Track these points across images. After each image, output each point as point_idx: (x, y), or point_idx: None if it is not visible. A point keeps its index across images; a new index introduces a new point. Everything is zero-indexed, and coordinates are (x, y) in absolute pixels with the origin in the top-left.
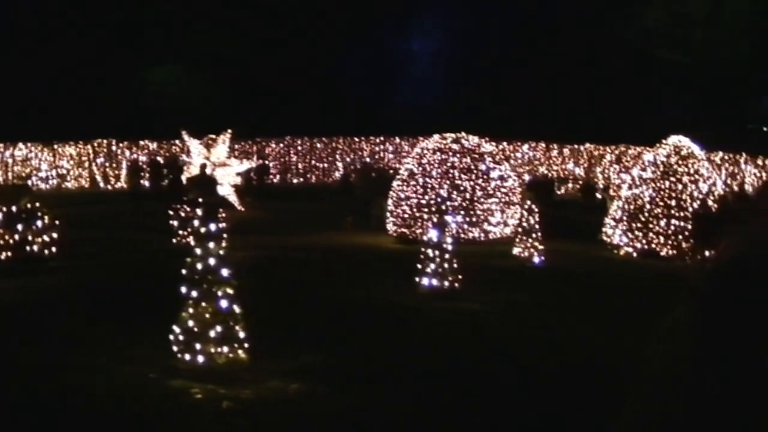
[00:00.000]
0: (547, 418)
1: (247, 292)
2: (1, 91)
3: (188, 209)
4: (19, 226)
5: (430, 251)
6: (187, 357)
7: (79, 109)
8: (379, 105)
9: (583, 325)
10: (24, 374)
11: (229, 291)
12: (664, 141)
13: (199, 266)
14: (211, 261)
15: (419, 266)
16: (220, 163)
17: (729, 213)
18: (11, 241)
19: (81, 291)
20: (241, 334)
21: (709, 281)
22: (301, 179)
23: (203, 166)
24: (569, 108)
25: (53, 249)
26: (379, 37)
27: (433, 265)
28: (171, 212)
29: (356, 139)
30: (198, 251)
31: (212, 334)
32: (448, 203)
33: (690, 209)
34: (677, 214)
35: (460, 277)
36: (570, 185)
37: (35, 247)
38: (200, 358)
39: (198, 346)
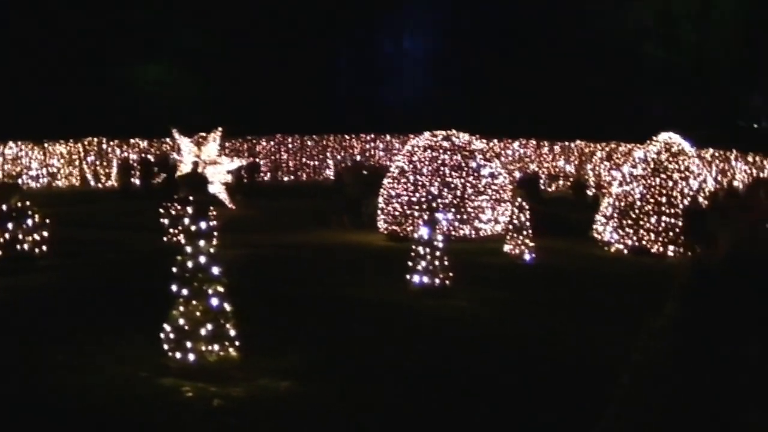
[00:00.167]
0: (538, 415)
1: (237, 290)
2: None
3: (179, 207)
4: (9, 225)
5: (420, 249)
6: (178, 355)
7: (69, 107)
8: (370, 102)
9: (574, 322)
10: (13, 373)
11: (220, 289)
12: (654, 138)
13: (190, 264)
14: (202, 259)
15: (410, 264)
16: (210, 161)
17: (719, 210)
18: (1, 239)
19: (71, 289)
20: (232, 332)
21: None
22: (292, 177)
23: (195, 164)
24: (560, 105)
25: (43, 248)
26: (370, 35)
27: (423, 263)
28: (162, 210)
29: (347, 137)
30: (188, 249)
31: (203, 332)
32: (439, 201)
33: (681, 206)
34: (668, 211)
35: (450, 274)
36: (561, 182)
37: (25, 246)
38: (191, 357)
39: (189, 345)
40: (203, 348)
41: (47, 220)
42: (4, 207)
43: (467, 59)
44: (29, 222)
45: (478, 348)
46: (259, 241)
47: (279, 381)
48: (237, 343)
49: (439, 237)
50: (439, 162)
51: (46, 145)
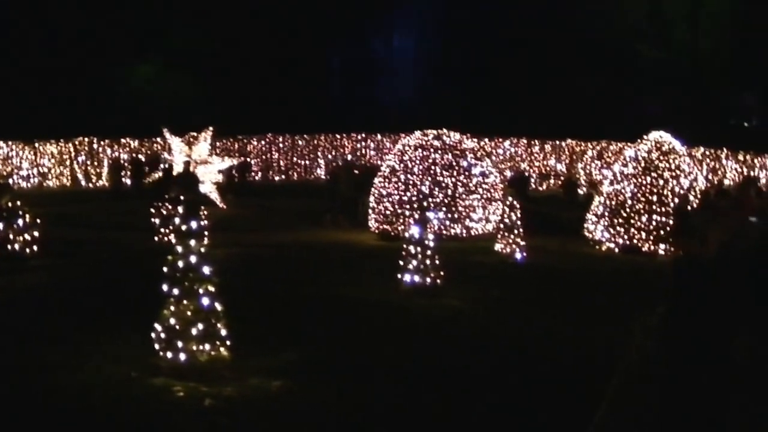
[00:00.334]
0: (532, 414)
1: (228, 290)
2: None
3: (170, 207)
4: (0, 225)
5: (411, 248)
6: (169, 355)
7: (60, 107)
8: (361, 102)
9: (566, 320)
10: (4, 373)
11: (211, 288)
12: (645, 137)
13: (181, 264)
14: (193, 258)
15: (401, 263)
16: (201, 160)
17: (711, 208)
18: None
19: (62, 290)
20: (223, 332)
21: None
22: (283, 177)
23: (187, 164)
24: (551, 104)
25: (34, 247)
26: (361, 35)
27: (414, 262)
28: (153, 210)
29: (338, 136)
30: (179, 249)
31: (194, 331)
32: (430, 200)
33: (671, 205)
34: (659, 210)
35: (441, 273)
36: (552, 181)
37: (16, 246)
38: (182, 356)
39: (179, 344)
40: (194, 348)
41: (38, 220)
42: None
43: (458, 59)
44: (20, 222)
45: (470, 347)
46: (250, 241)
47: (270, 380)
48: (228, 343)
49: (431, 236)
50: (430, 161)
51: (36, 144)
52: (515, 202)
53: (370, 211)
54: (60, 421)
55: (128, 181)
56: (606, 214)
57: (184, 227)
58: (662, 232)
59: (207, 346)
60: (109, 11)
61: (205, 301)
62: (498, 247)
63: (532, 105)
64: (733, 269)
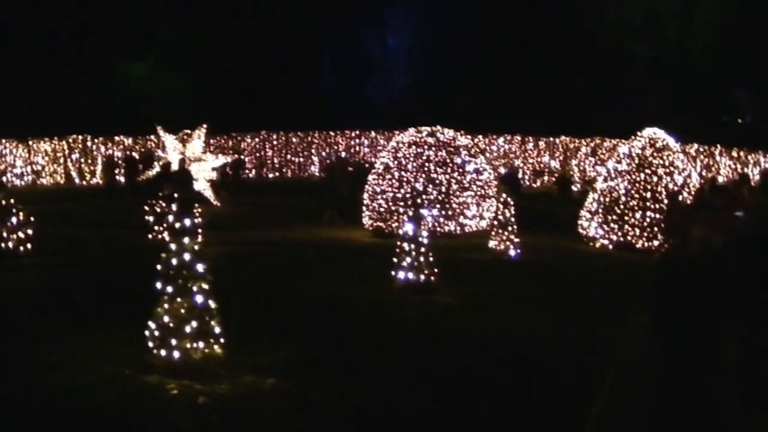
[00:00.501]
0: (523, 409)
1: (222, 287)
2: None
3: (164, 204)
4: None
5: (405, 245)
6: (163, 353)
7: (53, 105)
8: (355, 99)
9: (560, 317)
10: None
11: (205, 286)
12: (639, 133)
13: (174, 261)
14: (186, 256)
15: (395, 260)
16: (195, 158)
17: (705, 206)
18: None
19: (56, 287)
20: (217, 330)
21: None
22: (277, 174)
23: (182, 162)
24: (545, 101)
25: (28, 245)
26: (354, 32)
27: (408, 259)
28: (147, 208)
29: (332, 134)
30: (173, 246)
31: (188, 329)
32: (424, 197)
33: (665, 201)
34: (653, 207)
35: (435, 270)
36: (545, 178)
37: (10, 244)
38: (176, 354)
39: (173, 342)
40: (188, 345)
41: (32, 218)
42: None
43: (452, 56)
44: (14, 220)
45: (463, 344)
46: (243, 238)
47: (264, 378)
48: (222, 340)
49: (424, 233)
50: (424, 158)
51: (30, 142)
52: (509, 199)
53: (364, 208)
54: (54, 419)
55: (122, 179)
56: (600, 210)
57: (177, 225)
58: (656, 229)
59: (201, 344)
60: (103, 10)
61: (199, 298)
62: (492, 244)
63: (526, 102)
64: (715, 264)
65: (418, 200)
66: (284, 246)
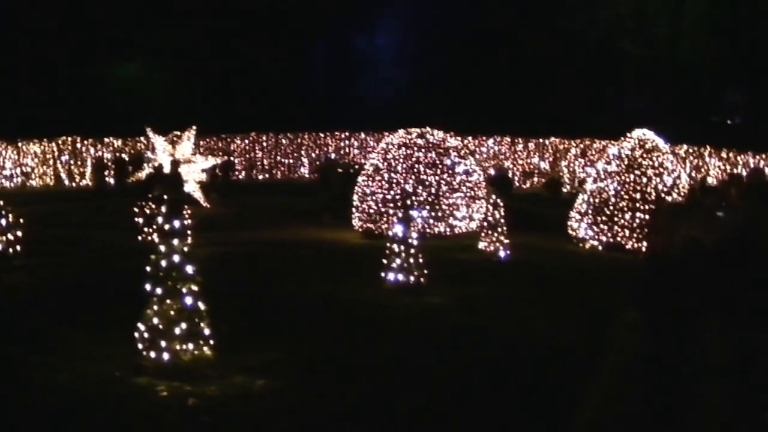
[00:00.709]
0: (513, 410)
1: (212, 289)
2: None
3: (153, 206)
4: None
5: (395, 246)
6: (152, 354)
7: (43, 106)
8: (345, 100)
9: (549, 318)
10: None
11: (194, 288)
12: (628, 134)
13: (164, 263)
14: (176, 258)
15: (385, 261)
16: (185, 159)
17: (696, 205)
18: None
19: (45, 289)
20: (207, 331)
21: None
22: (267, 175)
23: (175, 163)
24: (535, 102)
25: (17, 247)
26: (344, 33)
27: (398, 260)
28: (136, 209)
29: (321, 135)
30: (162, 248)
31: (177, 331)
32: (414, 198)
33: (655, 202)
34: (642, 208)
35: (425, 271)
36: (535, 179)
37: None
38: (165, 356)
39: (163, 344)
40: (178, 347)
41: (21, 220)
42: None
43: (441, 56)
44: (3, 222)
45: (453, 345)
46: (233, 240)
47: (254, 379)
48: (212, 342)
49: (414, 234)
50: (414, 159)
51: (19, 144)
52: (498, 200)
53: (354, 209)
54: (43, 421)
55: (112, 181)
56: (589, 211)
57: (167, 226)
58: (645, 230)
59: (190, 346)
60: (93, 10)
61: (189, 300)
62: (481, 245)
63: (516, 103)
64: (700, 264)
65: (408, 201)
66: (274, 247)
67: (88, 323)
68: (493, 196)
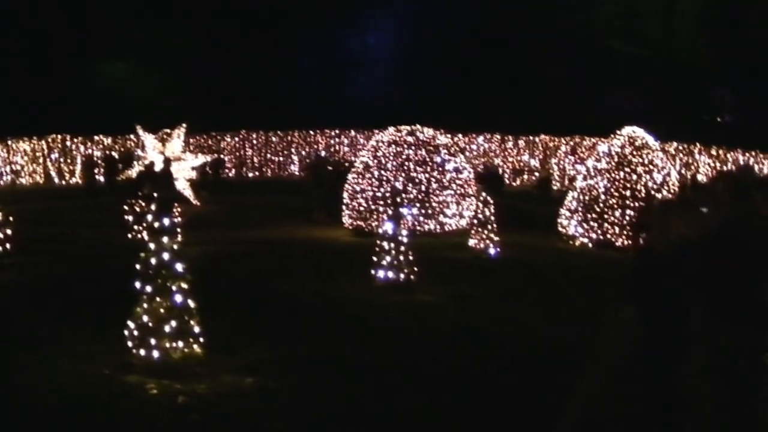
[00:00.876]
0: (503, 406)
1: (202, 287)
2: None
3: (143, 204)
4: None
5: (385, 244)
6: (142, 352)
7: (32, 104)
8: (334, 98)
9: (539, 315)
10: None
11: (184, 286)
12: (618, 132)
13: (153, 261)
14: (165, 256)
15: (375, 259)
16: (175, 157)
17: (686, 202)
18: None
19: (35, 288)
20: (196, 329)
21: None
22: (257, 173)
23: (167, 161)
24: (524, 99)
25: (7, 246)
26: (334, 31)
27: (388, 258)
28: (126, 207)
29: (311, 133)
30: (152, 246)
31: (167, 329)
32: (404, 195)
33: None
34: (632, 205)
35: (415, 269)
36: (525, 176)
37: None
38: (155, 354)
39: (153, 342)
40: (167, 345)
41: (11, 218)
42: None
43: (432, 55)
44: None
45: (444, 342)
46: (223, 238)
47: (244, 377)
48: (201, 340)
49: (404, 232)
50: (404, 157)
51: (9, 142)
52: (488, 198)
53: (344, 207)
54: (32, 419)
55: (101, 179)
56: (579, 209)
57: (156, 224)
58: (630, 227)
59: (180, 344)
60: (83, 9)
61: (178, 298)
62: (472, 242)
63: (506, 101)
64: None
65: (398, 199)
66: (264, 245)
67: (77, 321)
68: (483, 194)
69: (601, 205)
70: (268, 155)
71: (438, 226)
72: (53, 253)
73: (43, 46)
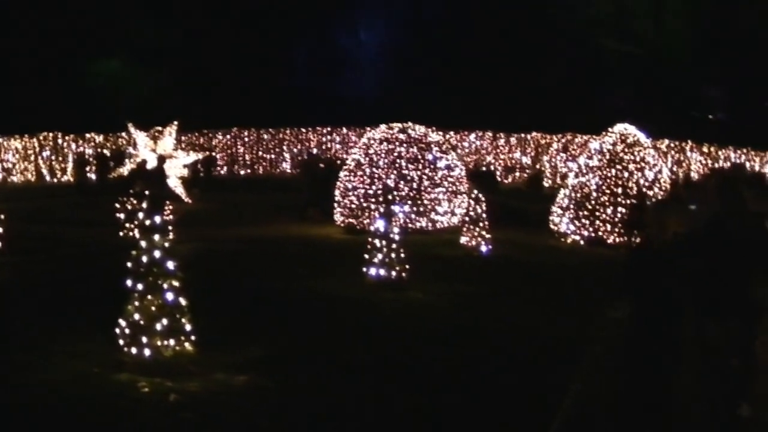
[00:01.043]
0: (495, 404)
1: (193, 285)
2: None
3: (135, 202)
4: None
5: (377, 241)
6: (134, 350)
7: (24, 102)
8: (326, 95)
9: (530, 312)
10: None
11: (175, 284)
12: (610, 129)
13: (145, 259)
14: (157, 254)
15: (366, 256)
16: (166, 155)
17: (678, 199)
18: None
19: (26, 286)
20: (188, 327)
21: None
22: (249, 171)
23: (161, 159)
24: (516, 97)
25: None
26: (326, 28)
27: (380, 255)
28: (118, 205)
29: (303, 130)
30: (143, 244)
31: (158, 327)
32: (395, 193)
33: (636, 197)
34: (624, 202)
35: (407, 267)
36: (517, 174)
37: None
38: (146, 352)
39: (144, 340)
40: (159, 343)
41: (2, 216)
42: None
43: (423, 52)
44: None
45: (435, 340)
46: (215, 235)
47: (235, 375)
48: (193, 338)
49: (396, 229)
50: (396, 155)
51: (0, 140)
52: (480, 195)
53: (336, 204)
54: (24, 418)
55: (93, 177)
56: (571, 206)
57: (147, 222)
58: (623, 224)
59: (172, 342)
60: (74, 5)
61: (170, 296)
62: (463, 240)
63: (498, 98)
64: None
65: (390, 197)
66: (256, 242)
67: (68, 319)
68: (475, 191)
69: (593, 202)
70: (260, 153)
71: (430, 224)
72: (44, 251)
73: (34, 45)
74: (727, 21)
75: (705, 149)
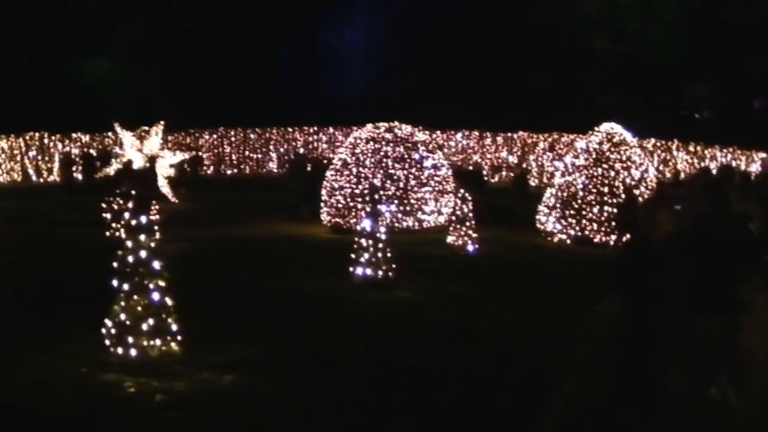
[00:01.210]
0: (482, 403)
1: (179, 285)
2: None
3: (121, 202)
4: None
5: (363, 241)
6: (120, 350)
7: (10, 102)
8: (313, 95)
9: (517, 311)
10: None
11: (161, 283)
12: (596, 128)
13: (131, 259)
14: (143, 254)
15: (353, 256)
16: (153, 154)
17: (666, 198)
18: None
19: (12, 285)
20: (174, 327)
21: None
22: (235, 170)
23: (152, 159)
24: (503, 96)
25: None
26: (312, 27)
27: (366, 255)
28: (104, 205)
29: (290, 130)
30: (129, 244)
31: (144, 327)
32: (382, 192)
33: (623, 196)
34: (610, 201)
35: (394, 266)
36: (503, 173)
37: None
38: (132, 352)
39: (130, 340)
40: (145, 343)
41: None
42: None
43: (410, 51)
44: None
45: (422, 339)
46: (201, 235)
47: (221, 375)
48: (179, 338)
49: (383, 229)
50: (382, 154)
51: None
52: (467, 195)
53: (322, 204)
54: (9, 417)
55: (80, 176)
56: (558, 205)
57: (134, 222)
58: (613, 223)
59: (158, 342)
60: (60, 5)
61: (156, 296)
62: (450, 239)
63: (484, 97)
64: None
65: (376, 196)
66: (242, 242)
67: (54, 319)
68: (462, 191)
69: (579, 201)
70: (247, 152)
71: (416, 223)
72: (30, 251)
73: (19, 43)
74: (714, 20)
75: (691, 148)
